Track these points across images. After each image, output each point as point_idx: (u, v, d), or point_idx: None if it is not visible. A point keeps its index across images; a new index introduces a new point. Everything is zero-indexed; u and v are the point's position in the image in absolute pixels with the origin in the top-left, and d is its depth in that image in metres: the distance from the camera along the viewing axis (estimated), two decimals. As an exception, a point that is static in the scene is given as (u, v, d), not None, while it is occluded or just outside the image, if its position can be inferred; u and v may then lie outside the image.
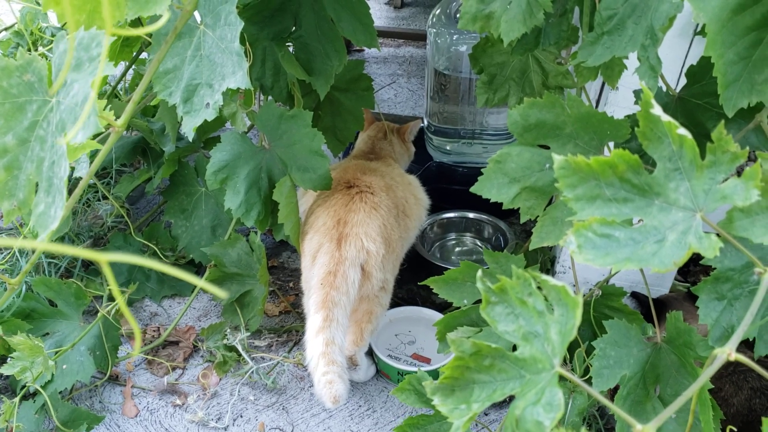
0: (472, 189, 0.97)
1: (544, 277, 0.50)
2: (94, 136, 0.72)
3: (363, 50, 2.43)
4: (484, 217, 1.76)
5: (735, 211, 0.57)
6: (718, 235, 0.53)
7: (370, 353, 1.43)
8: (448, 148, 1.89)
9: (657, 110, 0.56)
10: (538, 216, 0.95)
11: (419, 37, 2.46)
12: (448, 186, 1.79)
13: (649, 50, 0.82)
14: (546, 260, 1.60)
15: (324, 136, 1.54)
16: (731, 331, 0.83)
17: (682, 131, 0.54)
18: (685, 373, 0.88)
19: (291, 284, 1.63)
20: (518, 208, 0.97)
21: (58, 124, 0.62)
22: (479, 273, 0.55)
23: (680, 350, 0.89)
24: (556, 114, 0.90)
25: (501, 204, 0.98)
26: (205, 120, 1.63)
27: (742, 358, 0.48)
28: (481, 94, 1.33)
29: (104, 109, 0.80)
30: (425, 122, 1.94)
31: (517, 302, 0.52)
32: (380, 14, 2.64)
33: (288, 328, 1.51)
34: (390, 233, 1.34)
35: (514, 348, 0.55)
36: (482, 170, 0.96)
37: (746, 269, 0.82)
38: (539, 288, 0.51)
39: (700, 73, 0.97)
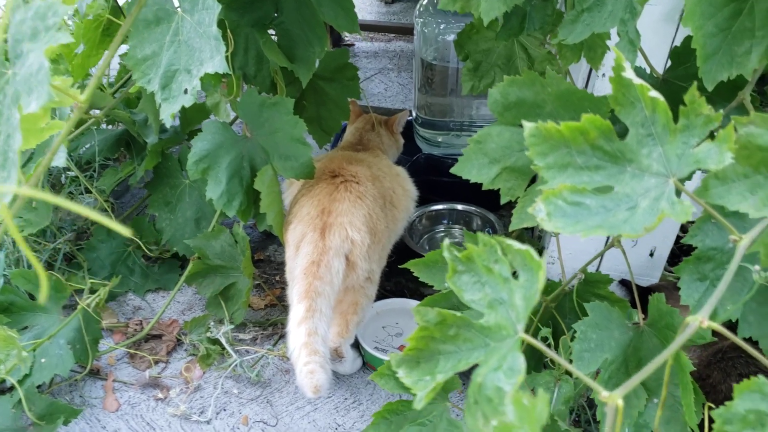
0: (453, 170, 0.95)
1: (509, 241, 0.48)
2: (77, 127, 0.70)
3: (353, 45, 2.42)
4: (472, 209, 1.74)
5: (710, 178, 0.55)
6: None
7: (357, 345, 1.41)
8: (438, 140, 1.87)
9: (629, 73, 0.54)
10: (518, 197, 0.93)
11: (410, 32, 2.44)
12: (437, 178, 1.77)
13: (628, 24, 0.80)
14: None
15: (309, 126, 1.52)
16: (714, 313, 0.81)
17: (654, 94, 0.53)
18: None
19: (277, 277, 1.61)
20: (512, 202, 0.95)
21: (13, 96, 0.60)
22: (446, 241, 0.53)
23: (662, 333, 0.87)
24: (535, 92, 0.88)
25: (490, 196, 0.96)
26: (189, 110, 1.62)
27: (715, 326, 0.46)
28: (467, 81, 1.31)
29: (71, 87, 0.78)
30: (413, 114, 1.92)
31: (484, 270, 0.50)
32: (371, 9, 2.63)
33: (273, 321, 1.49)
34: (376, 223, 1.32)
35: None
36: (463, 151, 0.94)
37: (730, 249, 0.81)
38: (505, 254, 0.49)
39: (684, 55, 0.95)
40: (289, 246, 1.28)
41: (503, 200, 0.94)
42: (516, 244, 0.48)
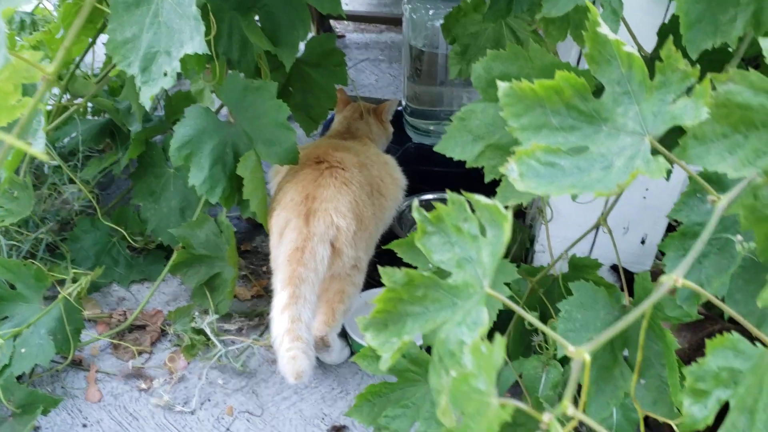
0: (436, 148, 0.93)
1: (477, 197, 0.47)
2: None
3: (344, 36, 2.40)
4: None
5: (689, 138, 0.53)
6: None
7: (345, 335, 1.39)
8: (429, 128, 1.85)
9: (604, 29, 0.52)
10: (502, 176, 0.91)
11: (401, 23, 2.41)
12: (427, 167, 1.75)
13: (611, -6, 0.78)
14: (525, 239, 1.56)
15: (296, 114, 1.51)
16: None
17: (630, 49, 0.51)
18: (654, 336, 0.84)
19: (264, 268, 1.59)
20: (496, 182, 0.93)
21: (-29, 61, 0.58)
22: (414, 202, 0.51)
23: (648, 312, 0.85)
24: (519, 66, 0.86)
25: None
26: (175, 99, 1.60)
27: (690, 284, 0.44)
28: (454, 64, 1.29)
29: (39, 61, 0.76)
30: (403, 104, 1.90)
31: (453, 230, 0.48)
32: (362, 0, 2.61)
33: (260, 312, 1.47)
34: (362, 210, 1.30)
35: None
36: (446, 128, 0.92)
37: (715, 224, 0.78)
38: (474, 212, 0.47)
39: (672, 32, 0.93)
40: (273, 233, 1.26)
41: (487, 178, 0.92)
42: (483, 199, 0.46)
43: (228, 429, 1.25)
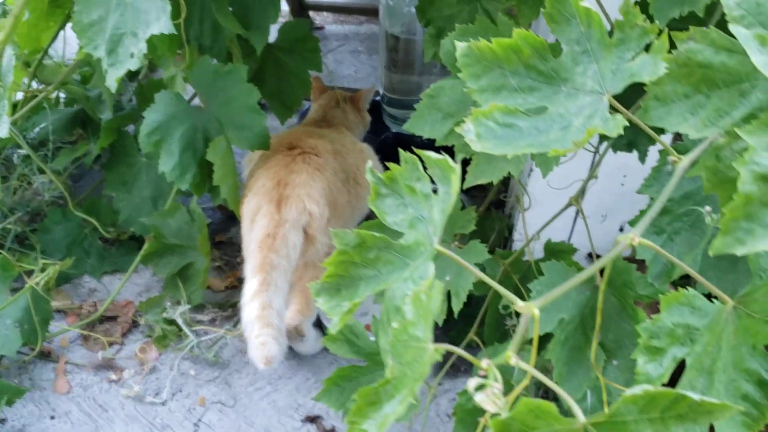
0: (405, 127, 0.92)
1: (428, 153, 0.45)
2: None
3: (323, 28, 2.38)
4: (441, 188, 1.70)
5: (650, 100, 0.52)
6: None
7: (320, 325, 1.37)
8: (408, 117, 1.83)
9: (562, -13, 0.51)
10: (473, 154, 0.90)
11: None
12: (405, 157, 1.73)
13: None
14: (503, 228, 1.55)
15: (270, 102, 1.49)
16: (671, 266, 0.78)
17: (588, 4, 0.49)
18: (626, 316, 0.82)
19: (238, 260, 1.56)
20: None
21: None
22: (368, 163, 0.50)
23: (620, 291, 0.83)
24: (488, 40, 0.84)
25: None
26: (147, 87, 1.57)
27: (646, 243, 0.43)
28: (429, 48, 1.27)
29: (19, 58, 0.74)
30: (381, 93, 1.88)
31: (407, 190, 0.47)
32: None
33: (233, 303, 1.44)
34: (336, 197, 1.28)
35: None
36: (415, 105, 0.91)
37: (686, 200, 0.77)
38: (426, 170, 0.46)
39: (642, 5, 0.92)
40: (244, 220, 1.24)
41: (457, 158, 0.91)
42: (434, 155, 0.44)
43: (200, 420, 1.22)
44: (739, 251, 0.37)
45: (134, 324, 1.40)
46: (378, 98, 1.85)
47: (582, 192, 0.99)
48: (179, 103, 1.25)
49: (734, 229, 0.36)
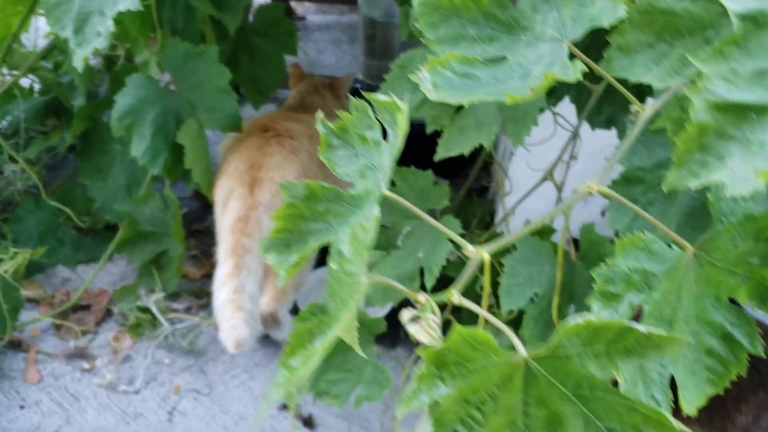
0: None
1: (377, 95, 0.43)
2: None
3: (305, 18, 2.36)
4: (423, 175, 1.68)
5: (613, 50, 0.50)
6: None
7: (297, 312, 1.35)
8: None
9: (520, -68, 0.49)
10: (444, 126, 0.88)
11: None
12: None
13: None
14: (485, 213, 1.53)
15: (244, 87, 1.46)
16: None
17: (546, -51, 0.47)
18: (601, 289, 0.81)
19: (214, 248, 1.54)
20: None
21: None
22: (318, 114, 0.48)
23: (594, 264, 0.81)
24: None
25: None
26: (120, 73, 1.54)
27: (606, 190, 0.41)
28: (404, 27, 1.25)
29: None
30: (360, 80, 1.86)
31: (358, 140, 0.45)
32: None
33: (209, 291, 1.42)
34: (312, 180, 1.25)
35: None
36: (381, 85, 0.89)
37: (658, 168, 0.76)
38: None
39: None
40: (217, 204, 1.22)
41: (429, 129, 0.89)
42: (382, 97, 0.42)
43: (174, 408, 1.20)
44: (693, 183, 0.35)
45: (108, 313, 1.37)
46: (357, 85, 1.83)
47: (554, 164, 0.97)
48: (151, 86, 1.22)
49: (688, 161, 0.35)
